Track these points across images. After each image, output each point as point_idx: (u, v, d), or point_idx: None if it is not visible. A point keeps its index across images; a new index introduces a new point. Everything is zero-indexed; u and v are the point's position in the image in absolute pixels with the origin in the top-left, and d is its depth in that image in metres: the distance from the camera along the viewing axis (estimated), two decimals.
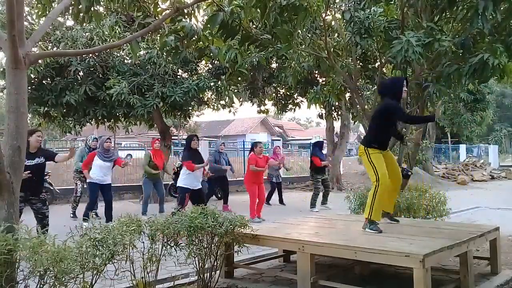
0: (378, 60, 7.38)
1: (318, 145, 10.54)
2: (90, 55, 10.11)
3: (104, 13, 6.91)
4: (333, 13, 7.34)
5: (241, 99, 14.50)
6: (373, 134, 4.65)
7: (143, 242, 3.54)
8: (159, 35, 5.51)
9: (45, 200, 5.80)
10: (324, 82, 10.60)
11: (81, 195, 9.30)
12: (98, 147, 8.11)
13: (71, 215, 9.11)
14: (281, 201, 11.63)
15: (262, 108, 16.15)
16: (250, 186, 8.66)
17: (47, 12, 4.66)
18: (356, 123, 10.51)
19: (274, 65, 12.29)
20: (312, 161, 10.25)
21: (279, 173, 11.77)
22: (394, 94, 4.52)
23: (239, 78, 9.38)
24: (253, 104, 15.71)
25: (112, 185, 13.68)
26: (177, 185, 7.40)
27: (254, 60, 7.37)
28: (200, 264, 3.91)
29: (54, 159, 6.01)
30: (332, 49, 6.78)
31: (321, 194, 10.33)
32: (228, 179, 12.45)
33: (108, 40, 9.55)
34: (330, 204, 10.40)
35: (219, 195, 11.80)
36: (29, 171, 5.19)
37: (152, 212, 9.05)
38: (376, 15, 5.73)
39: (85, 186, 8.82)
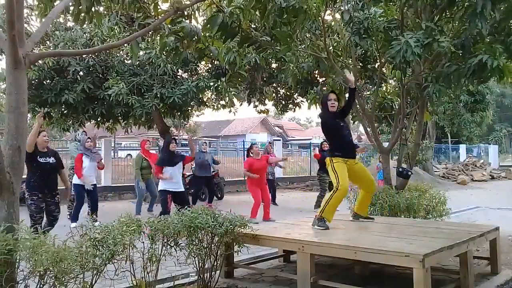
0: (377, 60, 7.39)
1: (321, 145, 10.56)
2: (90, 55, 10.12)
3: (105, 13, 6.91)
4: (332, 14, 7.34)
5: (240, 100, 14.49)
6: (332, 146, 5.09)
7: (143, 242, 3.54)
8: (159, 36, 5.52)
9: (58, 203, 5.89)
10: (324, 82, 10.60)
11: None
12: (80, 148, 8.11)
13: (68, 216, 8.90)
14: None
15: (262, 108, 16.15)
16: (252, 189, 8.41)
17: (48, 11, 4.66)
18: (356, 123, 10.50)
19: (274, 65, 12.28)
20: (317, 158, 10.18)
21: (274, 171, 11.65)
22: (324, 109, 5.01)
23: (239, 79, 9.38)
24: (249, 105, 15.71)
25: (112, 185, 13.82)
26: (158, 188, 7.38)
27: (252, 60, 7.35)
28: (200, 264, 3.92)
29: (61, 171, 6.06)
30: (331, 49, 6.78)
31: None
32: (225, 179, 12.46)
33: (108, 40, 9.56)
34: None
35: (203, 197, 11.77)
36: (45, 169, 5.65)
37: (146, 212, 9.07)
38: (376, 16, 5.74)
39: None
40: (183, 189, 7.30)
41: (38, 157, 5.67)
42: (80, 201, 7.95)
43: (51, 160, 5.81)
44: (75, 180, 7.91)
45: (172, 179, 7.12)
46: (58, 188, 5.96)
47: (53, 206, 5.75)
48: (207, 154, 10.69)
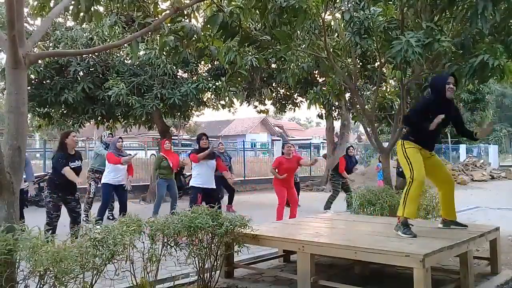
0: (377, 60, 7.39)
1: (347, 150, 10.06)
2: (90, 55, 10.13)
3: (104, 13, 6.91)
4: (332, 14, 7.34)
5: (239, 100, 14.51)
6: (412, 130, 4.35)
7: (143, 242, 3.54)
8: (159, 35, 5.52)
9: (79, 199, 5.94)
10: (323, 82, 10.60)
11: (94, 196, 8.83)
12: (110, 147, 7.96)
13: (84, 219, 8.09)
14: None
15: (262, 108, 16.16)
16: (279, 189, 7.71)
17: (46, 11, 4.66)
18: (356, 123, 10.50)
19: (273, 66, 12.28)
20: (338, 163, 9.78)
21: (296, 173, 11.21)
22: (437, 92, 4.20)
23: (239, 79, 9.39)
24: (249, 105, 15.74)
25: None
26: (190, 184, 7.00)
27: (252, 61, 7.33)
28: (200, 264, 3.91)
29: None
30: (331, 49, 6.78)
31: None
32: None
33: (108, 40, 9.57)
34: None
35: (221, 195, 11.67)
36: (75, 173, 5.64)
37: (162, 214, 8.81)
38: (375, 15, 5.74)
39: (98, 185, 8.51)
40: (215, 187, 6.98)
41: (70, 162, 5.65)
42: (106, 201, 7.83)
43: (79, 163, 5.83)
44: (104, 179, 7.79)
45: (208, 175, 6.82)
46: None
47: (74, 202, 5.79)
48: (224, 153, 10.42)
